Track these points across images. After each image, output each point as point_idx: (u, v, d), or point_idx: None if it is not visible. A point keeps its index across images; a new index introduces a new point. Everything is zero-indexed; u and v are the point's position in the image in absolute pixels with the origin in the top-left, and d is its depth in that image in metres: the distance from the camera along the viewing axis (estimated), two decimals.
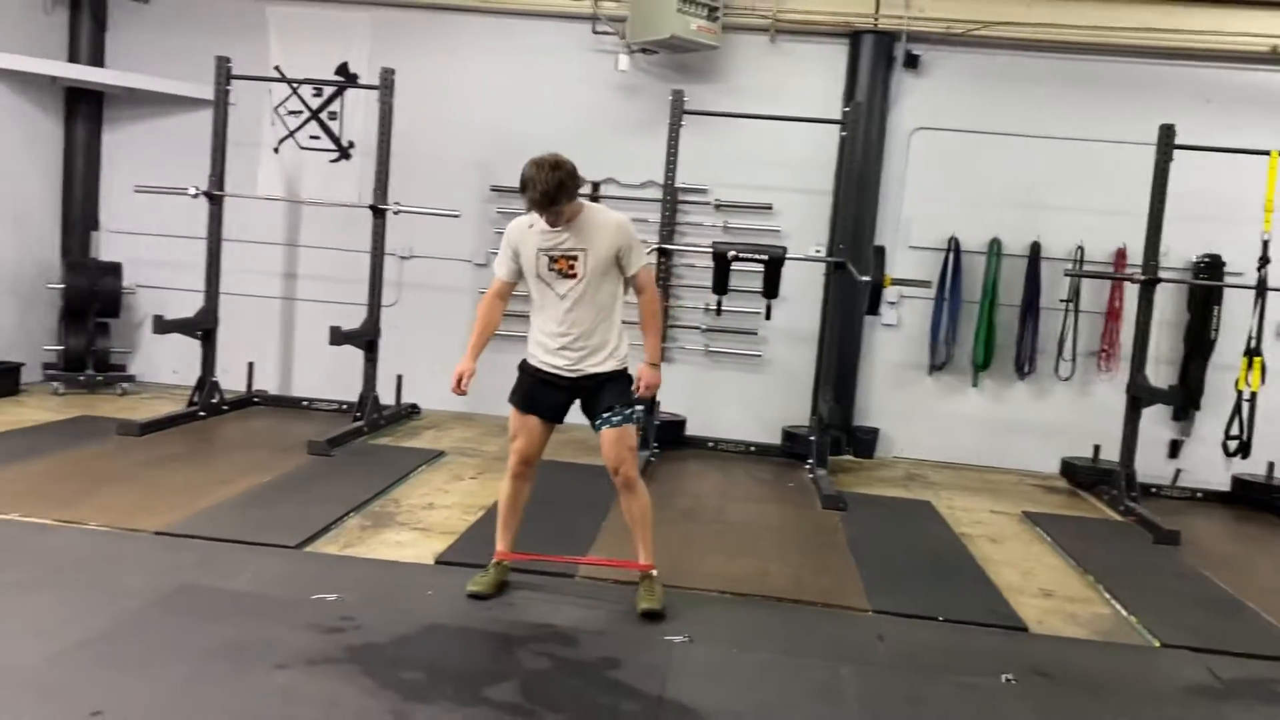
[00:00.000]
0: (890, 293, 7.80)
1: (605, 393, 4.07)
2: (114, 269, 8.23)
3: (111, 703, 2.99)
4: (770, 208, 7.98)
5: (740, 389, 8.18)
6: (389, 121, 7.14)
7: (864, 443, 7.92)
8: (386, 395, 7.58)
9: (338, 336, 6.59)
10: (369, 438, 7.02)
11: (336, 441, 6.55)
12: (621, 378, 4.11)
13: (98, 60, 8.43)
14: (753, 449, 7.56)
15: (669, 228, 6.99)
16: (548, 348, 4.06)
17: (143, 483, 5.47)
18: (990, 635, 4.22)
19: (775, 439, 7.72)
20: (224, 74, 7.21)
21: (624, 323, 4.18)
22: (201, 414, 7.23)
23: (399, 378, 7.67)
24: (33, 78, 7.98)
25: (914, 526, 5.92)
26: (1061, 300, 7.74)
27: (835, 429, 7.38)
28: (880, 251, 6.61)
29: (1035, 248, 7.73)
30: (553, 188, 3.76)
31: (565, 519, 5.35)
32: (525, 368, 4.16)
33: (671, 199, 7.00)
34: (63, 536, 4.53)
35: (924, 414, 8.03)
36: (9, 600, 3.74)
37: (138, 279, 8.51)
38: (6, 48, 7.74)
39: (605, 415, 4.05)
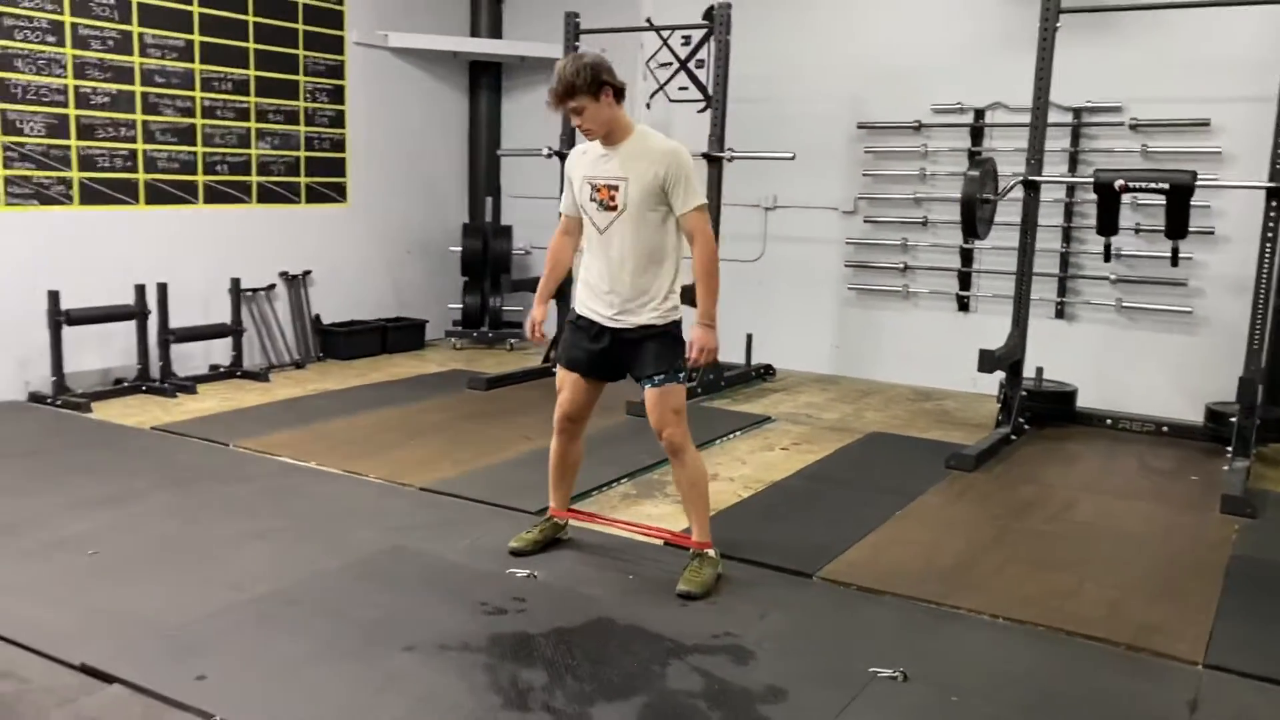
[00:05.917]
0: None
1: (645, 352, 3.56)
2: (505, 231, 8.64)
3: (221, 669, 2.91)
4: (1207, 124, 6.32)
5: (1161, 353, 6.62)
6: (726, 61, 6.64)
7: None
8: (736, 353, 7.14)
9: None
10: (702, 399, 6.63)
11: None
12: (666, 335, 3.57)
13: (495, 32, 8.86)
14: (1165, 429, 6.05)
15: (1036, 156, 5.71)
16: (592, 289, 3.63)
17: (450, 436, 5.57)
18: None
19: (1199, 417, 6.13)
20: (572, 30, 7.17)
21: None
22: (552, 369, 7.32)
23: (748, 336, 7.19)
24: (439, 55, 8.58)
25: None
26: None
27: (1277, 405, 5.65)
28: None
29: None
30: (572, 74, 3.36)
31: (857, 502, 4.59)
32: (569, 315, 3.76)
33: (1041, 118, 5.69)
34: (339, 486, 4.69)
35: None
36: (239, 547, 3.89)
37: (534, 241, 8.90)
38: (419, 28, 8.38)
39: (649, 376, 3.55)
